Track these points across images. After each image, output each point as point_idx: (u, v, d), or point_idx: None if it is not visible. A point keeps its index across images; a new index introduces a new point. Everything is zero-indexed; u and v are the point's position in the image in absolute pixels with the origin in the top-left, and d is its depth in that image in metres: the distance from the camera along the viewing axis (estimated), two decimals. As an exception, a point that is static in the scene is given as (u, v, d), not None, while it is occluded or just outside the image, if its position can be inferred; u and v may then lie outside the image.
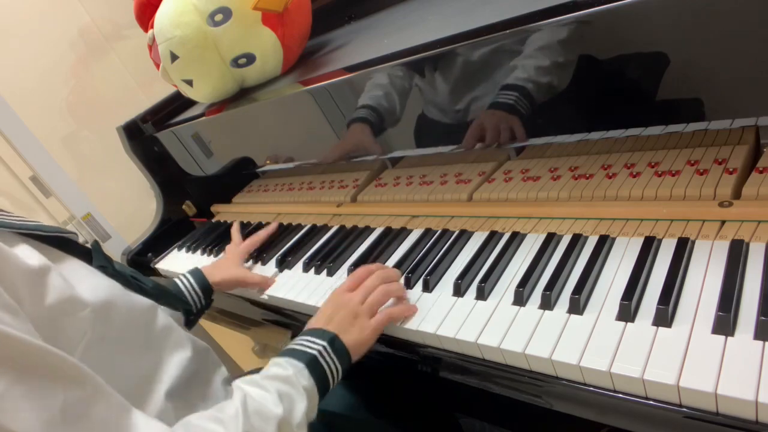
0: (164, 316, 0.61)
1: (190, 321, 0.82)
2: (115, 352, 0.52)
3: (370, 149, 0.82)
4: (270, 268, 0.91)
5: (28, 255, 0.47)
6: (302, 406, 0.53)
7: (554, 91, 0.58)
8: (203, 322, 1.16)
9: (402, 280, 0.70)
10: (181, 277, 0.83)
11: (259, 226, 1.06)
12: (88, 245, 0.61)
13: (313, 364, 0.57)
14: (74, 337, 0.48)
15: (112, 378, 0.48)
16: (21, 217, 0.53)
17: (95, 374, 0.43)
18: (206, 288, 0.83)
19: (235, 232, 1.02)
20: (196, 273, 0.84)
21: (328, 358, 0.58)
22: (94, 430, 0.40)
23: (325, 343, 0.59)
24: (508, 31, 0.56)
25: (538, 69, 0.57)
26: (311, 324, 0.64)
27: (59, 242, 0.54)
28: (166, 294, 0.69)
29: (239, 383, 0.54)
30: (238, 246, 0.96)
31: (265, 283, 0.86)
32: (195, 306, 0.81)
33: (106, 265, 0.59)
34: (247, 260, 0.97)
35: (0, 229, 0.48)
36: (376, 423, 0.75)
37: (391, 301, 0.67)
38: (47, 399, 0.38)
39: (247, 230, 1.08)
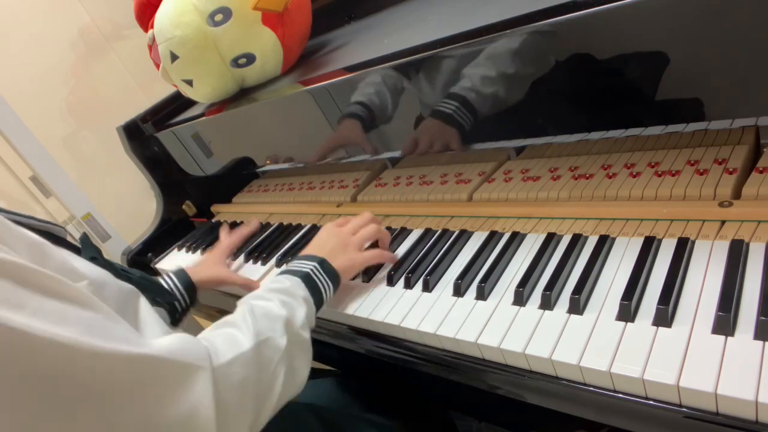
0: (147, 306, 0.62)
1: (175, 319, 0.82)
2: None
3: (359, 146, 0.83)
4: (270, 268, 0.91)
5: (29, 232, 0.49)
6: (302, 311, 0.60)
7: (554, 90, 0.58)
8: (201, 321, 1.16)
9: (402, 281, 0.70)
10: (165, 277, 0.84)
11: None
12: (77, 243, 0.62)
13: (306, 278, 0.64)
14: None
15: None
16: (13, 210, 0.54)
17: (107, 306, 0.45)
18: (189, 286, 0.85)
19: (222, 232, 1.03)
20: (180, 272, 0.86)
21: (319, 275, 0.66)
22: (118, 342, 0.41)
23: (315, 263, 0.67)
24: (508, 31, 0.56)
25: (537, 72, 0.57)
26: (306, 251, 0.71)
27: (49, 237, 0.55)
28: (151, 286, 0.70)
29: (244, 299, 0.61)
30: (222, 243, 0.98)
31: (248, 286, 0.87)
32: (180, 304, 0.82)
33: (95, 256, 0.60)
34: (247, 260, 0.97)
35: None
36: (374, 422, 0.75)
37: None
38: (73, 317, 0.40)
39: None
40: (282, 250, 0.93)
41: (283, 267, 0.68)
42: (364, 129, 0.80)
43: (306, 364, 0.58)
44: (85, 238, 0.63)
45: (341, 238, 0.72)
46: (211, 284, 0.89)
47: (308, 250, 0.71)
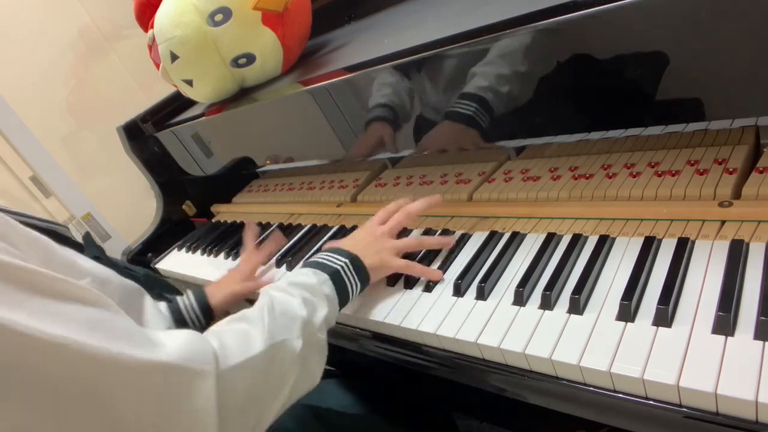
0: (152, 303, 0.62)
1: None
2: None
3: (388, 147, 0.81)
4: (270, 268, 0.91)
5: (34, 231, 0.49)
6: (323, 312, 0.58)
7: (555, 90, 0.58)
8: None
9: (402, 281, 0.70)
10: (184, 298, 0.82)
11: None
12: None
13: (335, 276, 0.62)
14: None
15: None
16: (16, 210, 0.55)
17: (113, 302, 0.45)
18: (206, 309, 0.82)
19: (249, 240, 0.96)
20: (198, 292, 0.83)
21: (349, 273, 0.63)
22: (120, 338, 0.41)
23: (347, 260, 0.64)
24: (508, 31, 0.56)
25: (537, 72, 0.57)
26: (338, 244, 0.68)
27: (53, 236, 0.56)
28: (155, 283, 0.70)
29: (267, 289, 0.59)
30: (249, 260, 0.91)
31: (261, 283, 0.85)
32: (192, 325, 0.81)
33: (99, 255, 0.61)
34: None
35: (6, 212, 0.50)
36: (375, 421, 0.75)
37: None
38: (74, 314, 0.40)
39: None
40: (282, 251, 0.93)
41: (314, 257, 0.65)
42: (393, 129, 0.78)
43: (320, 366, 0.57)
44: (88, 236, 0.63)
45: (378, 241, 0.69)
46: (228, 303, 0.85)
47: (341, 244, 0.68)
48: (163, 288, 0.71)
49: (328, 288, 0.60)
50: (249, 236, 0.97)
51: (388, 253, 0.67)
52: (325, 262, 0.64)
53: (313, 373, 0.56)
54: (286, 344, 0.52)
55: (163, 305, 0.78)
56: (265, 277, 0.88)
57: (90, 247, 0.61)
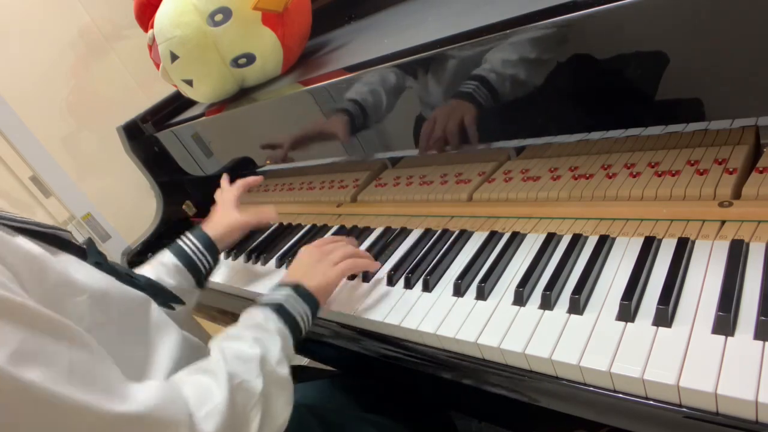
0: (158, 310, 0.62)
1: (201, 281, 0.82)
2: (111, 341, 0.52)
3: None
4: (270, 268, 0.91)
5: (28, 244, 0.49)
6: (277, 345, 0.58)
7: (555, 90, 0.58)
8: (203, 321, 1.16)
9: (402, 281, 0.70)
10: (185, 239, 0.83)
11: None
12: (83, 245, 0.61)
13: (279, 309, 0.62)
14: (73, 320, 0.48)
15: None
16: (16, 214, 0.54)
17: (96, 343, 0.45)
18: (210, 245, 0.83)
19: (224, 180, 0.98)
20: (199, 234, 0.83)
21: (294, 302, 0.64)
22: (98, 388, 0.41)
23: (289, 290, 0.65)
24: (508, 31, 0.56)
25: (537, 73, 0.57)
26: (283, 279, 0.69)
27: (55, 240, 0.55)
28: (157, 290, 0.70)
29: (215, 340, 0.58)
30: (228, 191, 0.93)
31: (266, 216, 0.89)
32: (203, 266, 0.82)
33: (100, 261, 0.60)
34: (247, 260, 0.97)
35: (1, 224, 0.49)
36: (374, 422, 0.75)
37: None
38: (55, 357, 0.40)
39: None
40: (282, 251, 0.93)
41: (261, 298, 0.65)
42: (360, 128, 0.80)
43: (285, 403, 0.56)
44: (90, 242, 0.62)
45: (314, 255, 0.72)
46: (229, 236, 0.86)
47: (285, 276, 0.70)
48: (165, 296, 0.70)
49: (274, 323, 0.60)
50: (224, 179, 0.99)
51: (327, 267, 0.69)
52: (268, 299, 0.64)
53: (277, 412, 0.54)
54: (245, 385, 0.52)
55: (168, 254, 0.80)
56: (262, 209, 0.91)
57: (92, 254, 0.60)
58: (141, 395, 0.44)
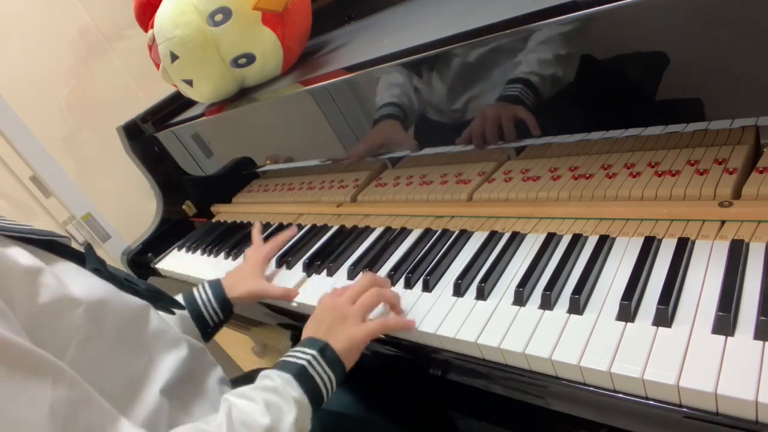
0: (157, 317, 0.61)
1: (207, 334, 0.79)
2: (109, 351, 0.52)
3: (400, 144, 0.80)
4: (270, 268, 0.91)
5: (21, 256, 0.47)
6: (291, 417, 0.52)
7: (555, 91, 0.58)
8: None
9: (402, 281, 0.70)
10: (200, 289, 0.80)
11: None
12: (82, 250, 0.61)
13: (301, 375, 0.56)
14: (67, 335, 0.48)
15: (105, 376, 0.48)
16: (13, 221, 0.52)
17: (82, 380, 0.43)
18: (224, 303, 0.80)
19: (255, 233, 0.95)
20: (216, 287, 0.80)
21: (318, 368, 0.57)
22: None
23: (314, 352, 0.58)
24: (507, 31, 0.56)
25: (537, 73, 0.57)
26: (304, 332, 0.63)
27: (52, 246, 0.54)
28: (159, 297, 0.69)
29: (227, 396, 0.53)
30: (258, 251, 0.89)
31: (288, 296, 0.80)
32: (211, 320, 0.79)
33: (99, 268, 0.58)
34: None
35: None
36: (374, 422, 0.75)
37: (381, 308, 0.66)
38: (36, 397, 0.38)
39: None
40: (282, 251, 0.93)
41: (282, 356, 0.59)
42: (403, 128, 0.77)
43: None
44: (89, 248, 0.61)
45: (338, 311, 0.63)
46: (247, 301, 0.83)
47: (306, 331, 0.63)
48: (165, 302, 0.69)
49: (294, 389, 0.54)
50: (255, 231, 0.96)
51: (353, 325, 0.61)
52: (290, 359, 0.58)
53: None
54: None
55: (180, 298, 0.76)
56: (287, 284, 0.84)
57: (90, 260, 0.59)
58: None
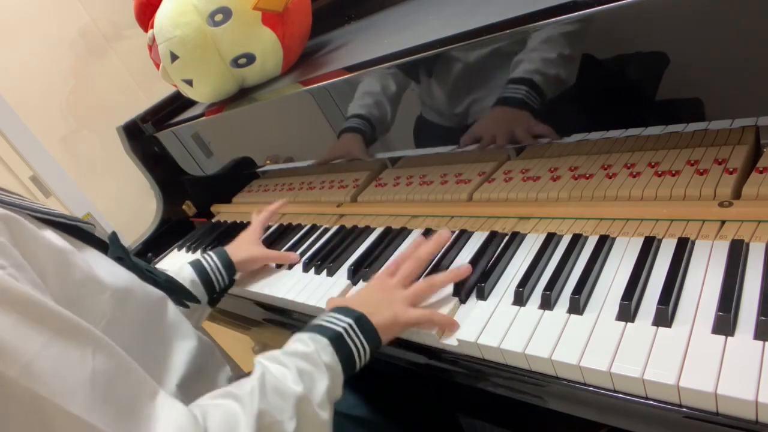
0: (174, 309, 0.62)
1: (213, 299, 0.83)
2: (131, 338, 0.52)
3: (359, 156, 0.84)
4: (270, 268, 0.91)
5: (53, 237, 0.48)
6: (323, 384, 0.51)
7: (555, 92, 0.58)
8: (204, 322, 1.16)
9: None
10: (206, 256, 0.85)
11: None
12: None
13: (337, 341, 0.55)
14: (95, 317, 0.48)
15: None
16: (43, 205, 0.53)
17: (122, 351, 0.43)
18: (229, 266, 0.85)
19: (253, 214, 0.99)
20: (220, 252, 0.85)
21: (354, 336, 0.56)
22: (118, 402, 0.40)
23: (351, 321, 0.57)
24: (507, 32, 0.56)
25: (538, 72, 0.57)
26: (344, 302, 0.62)
27: (78, 233, 0.55)
28: (176, 289, 0.70)
29: (260, 359, 0.53)
30: (254, 224, 0.95)
31: (285, 258, 0.88)
32: (218, 284, 0.83)
33: (122, 257, 0.59)
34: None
35: (28, 215, 0.49)
36: (378, 422, 0.75)
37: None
38: (77, 364, 0.39)
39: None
40: (282, 251, 0.93)
41: (315, 320, 0.58)
42: (364, 141, 0.80)
43: None
44: (113, 236, 0.61)
45: (387, 293, 0.62)
46: (249, 264, 0.89)
47: (348, 302, 0.61)
48: (183, 294, 0.70)
49: (328, 355, 0.53)
50: (254, 213, 0.99)
51: (401, 306, 0.60)
52: (326, 324, 0.57)
53: None
54: (275, 428, 0.47)
55: (188, 267, 0.81)
56: (288, 253, 0.90)
57: (114, 248, 0.59)
58: (159, 425, 0.41)
